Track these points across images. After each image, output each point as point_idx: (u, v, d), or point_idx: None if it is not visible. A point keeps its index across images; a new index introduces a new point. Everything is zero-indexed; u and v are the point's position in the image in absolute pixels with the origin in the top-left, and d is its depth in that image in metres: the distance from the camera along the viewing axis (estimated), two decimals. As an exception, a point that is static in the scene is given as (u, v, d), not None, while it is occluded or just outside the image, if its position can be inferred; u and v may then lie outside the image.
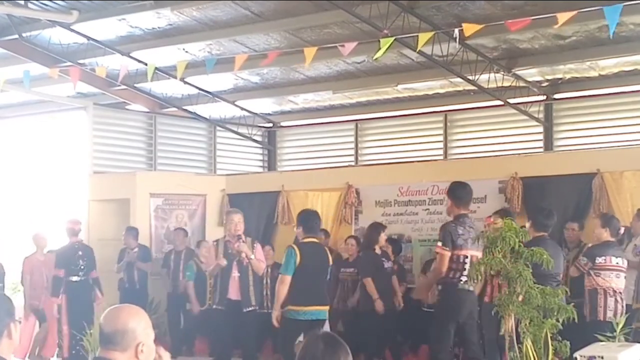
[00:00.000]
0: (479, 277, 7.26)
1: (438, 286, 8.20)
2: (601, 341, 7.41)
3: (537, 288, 6.89)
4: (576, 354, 6.80)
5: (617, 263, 8.64)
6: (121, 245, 13.35)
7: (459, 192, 8.18)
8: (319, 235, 9.07)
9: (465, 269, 7.86)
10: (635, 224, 9.70)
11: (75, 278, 11.57)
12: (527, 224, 8.30)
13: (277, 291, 8.71)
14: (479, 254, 7.86)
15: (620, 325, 7.50)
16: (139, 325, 3.61)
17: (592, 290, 8.59)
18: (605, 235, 8.73)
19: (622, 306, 8.60)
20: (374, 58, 10.76)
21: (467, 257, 7.89)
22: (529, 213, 8.59)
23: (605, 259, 8.58)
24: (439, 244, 7.94)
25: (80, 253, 11.75)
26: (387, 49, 9.97)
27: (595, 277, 8.55)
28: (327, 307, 8.83)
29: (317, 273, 8.70)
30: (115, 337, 3.56)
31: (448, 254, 7.88)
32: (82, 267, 11.66)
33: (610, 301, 8.50)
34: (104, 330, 3.60)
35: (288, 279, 8.56)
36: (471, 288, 7.97)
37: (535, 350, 6.82)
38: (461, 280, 7.89)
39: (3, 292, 11.34)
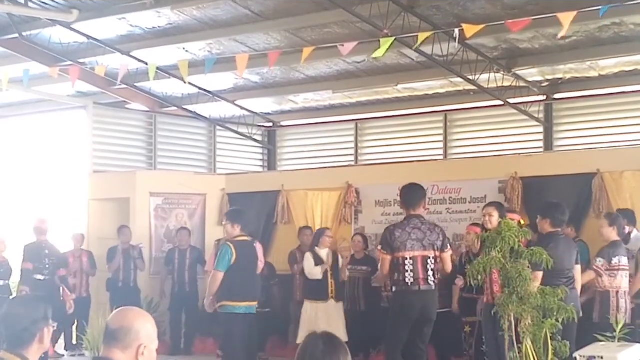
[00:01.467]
0: (480, 277, 7.25)
1: (392, 288, 8.31)
2: (601, 341, 7.41)
3: (538, 288, 6.89)
4: (576, 354, 6.81)
5: (625, 263, 8.65)
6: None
7: (405, 195, 8.33)
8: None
9: (407, 270, 7.94)
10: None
11: (39, 277, 11.63)
12: (545, 222, 8.19)
13: (210, 286, 9.07)
14: (428, 254, 8.00)
15: (620, 325, 7.49)
16: (144, 327, 3.59)
17: (604, 292, 8.54)
18: (614, 234, 8.68)
19: (627, 304, 8.60)
20: (373, 56, 10.75)
21: (406, 258, 7.96)
22: (542, 209, 8.46)
23: (619, 259, 8.55)
24: (379, 247, 8.14)
25: (46, 252, 11.81)
26: (387, 49, 9.98)
27: (609, 278, 8.50)
28: (256, 302, 9.36)
29: (250, 270, 9.18)
30: (119, 334, 3.55)
31: (388, 257, 8.02)
32: (48, 266, 11.70)
33: (622, 302, 8.48)
34: (109, 328, 3.59)
35: (221, 274, 8.94)
36: (424, 287, 7.99)
37: (535, 351, 6.82)
38: (407, 283, 7.96)
39: (38, 295, 11.40)
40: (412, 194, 8.27)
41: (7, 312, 3.95)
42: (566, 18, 8.78)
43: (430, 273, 8.02)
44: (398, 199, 12.36)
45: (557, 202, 8.70)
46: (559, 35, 9.14)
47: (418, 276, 7.96)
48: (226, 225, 9.31)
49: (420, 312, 8.06)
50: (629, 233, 9.38)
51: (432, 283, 8.04)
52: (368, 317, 11.30)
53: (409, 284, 7.96)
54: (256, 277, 9.36)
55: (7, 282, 12.17)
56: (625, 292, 8.56)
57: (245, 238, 9.19)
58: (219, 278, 8.93)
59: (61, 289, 11.97)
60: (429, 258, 8.02)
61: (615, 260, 8.53)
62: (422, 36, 10.03)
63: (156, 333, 3.66)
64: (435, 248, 8.08)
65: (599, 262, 8.55)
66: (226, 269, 8.92)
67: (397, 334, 8.07)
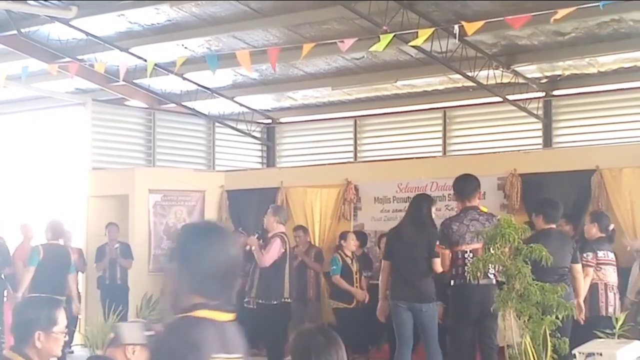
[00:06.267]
0: (479, 274, 7.23)
1: (450, 282, 8.06)
2: (600, 337, 7.42)
3: (536, 285, 6.88)
4: (575, 351, 6.80)
5: (612, 258, 8.74)
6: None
7: (458, 185, 8.09)
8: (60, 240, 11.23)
9: (467, 264, 7.66)
10: None
11: None
12: (538, 218, 8.21)
13: (23, 280, 10.73)
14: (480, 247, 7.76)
15: (620, 322, 7.50)
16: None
17: (592, 284, 8.58)
18: (595, 231, 8.83)
19: (619, 300, 8.65)
20: (372, 50, 10.74)
21: (466, 252, 7.74)
22: (531, 208, 8.51)
23: (605, 254, 8.65)
24: (437, 243, 7.89)
25: None
26: (387, 44, 9.97)
27: (597, 272, 8.57)
28: (63, 297, 10.42)
29: (56, 268, 10.64)
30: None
31: (447, 252, 7.80)
32: None
33: (611, 296, 8.56)
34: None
35: (32, 269, 10.57)
36: (483, 281, 7.66)
37: (534, 347, 6.81)
38: (465, 277, 7.68)
39: (46, 297, 11.43)
40: (466, 185, 8.04)
41: (15, 312, 4.02)
42: (563, 12, 8.77)
43: (490, 265, 7.53)
44: (397, 195, 12.52)
45: (550, 198, 8.71)
46: (553, 18, 9.07)
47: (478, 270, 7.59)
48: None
49: (480, 307, 7.75)
50: (613, 229, 9.45)
51: (491, 276, 7.71)
52: (362, 315, 11.24)
53: (468, 278, 7.64)
54: (63, 274, 10.83)
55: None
56: (613, 286, 8.61)
57: (56, 242, 10.97)
58: (32, 271, 10.59)
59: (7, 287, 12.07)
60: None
61: (601, 254, 8.67)
62: (422, 34, 10.00)
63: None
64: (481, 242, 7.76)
65: (588, 256, 8.62)
66: (37, 264, 10.61)
67: (460, 332, 7.84)
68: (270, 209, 10.16)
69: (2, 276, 12.00)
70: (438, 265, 8.17)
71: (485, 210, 8.27)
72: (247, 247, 10.20)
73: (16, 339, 3.92)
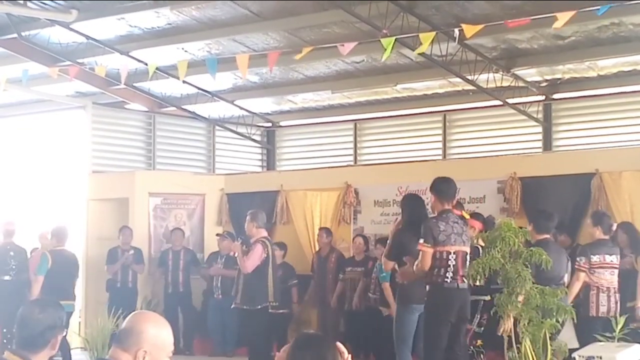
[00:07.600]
0: (479, 277, 7.23)
1: (426, 286, 7.94)
2: (600, 341, 7.42)
3: (537, 288, 6.89)
4: (574, 354, 6.81)
5: (612, 261, 8.71)
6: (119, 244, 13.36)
7: (441, 187, 8.03)
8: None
9: (450, 266, 7.63)
10: None
11: (7, 277, 11.75)
12: (529, 227, 8.27)
13: (33, 289, 10.97)
14: (467, 249, 7.75)
15: (620, 325, 7.50)
16: (149, 332, 3.53)
17: (585, 286, 8.62)
18: (598, 233, 8.80)
19: (616, 301, 8.64)
20: (382, 60, 10.76)
21: (450, 253, 7.66)
22: (529, 215, 8.53)
23: (600, 258, 8.65)
24: (421, 240, 7.71)
25: (11, 253, 11.89)
26: (391, 49, 9.99)
27: (590, 276, 8.60)
28: (73, 302, 11.33)
29: (65, 274, 11.15)
30: (124, 334, 3.56)
31: (430, 250, 7.64)
32: (13, 267, 11.81)
33: (603, 297, 8.56)
34: (120, 329, 3.62)
35: (41, 278, 10.94)
36: (462, 285, 7.70)
37: (534, 350, 6.82)
38: (447, 279, 7.65)
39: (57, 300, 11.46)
40: (448, 187, 8.02)
41: (24, 314, 3.96)
42: (564, 17, 8.79)
43: (466, 270, 7.63)
44: (397, 199, 12.50)
45: (544, 209, 8.75)
46: (553, 26, 9.10)
47: (457, 273, 7.64)
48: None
49: (458, 311, 7.75)
50: (616, 230, 9.44)
51: (466, 281, 7.70)
52: (365, 318, 11.26)
53: (449, 281, 7.63)
54: (71, 278, 11.34)
55: None
56: (608, 288, 8.62)
57: (62, 248, 11.33)
58: (40, 280, 10.91)
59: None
60: (467, 254, 7.75)
61: (595, 259, 8.64)
62: (424, 39, 10.00)
63: (167, 342, 3.60)
64: (470, 244, 7.85)
65: (581, 260, 8.65)
66: (45, 272, 10.96)
67: (437, 335, 7.78)
68: (248, 215, 10.25)
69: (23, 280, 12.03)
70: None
71: (466, 216, 8.30)
72: (232, 253, 10.27)
73: (31, 343, 3.89)
